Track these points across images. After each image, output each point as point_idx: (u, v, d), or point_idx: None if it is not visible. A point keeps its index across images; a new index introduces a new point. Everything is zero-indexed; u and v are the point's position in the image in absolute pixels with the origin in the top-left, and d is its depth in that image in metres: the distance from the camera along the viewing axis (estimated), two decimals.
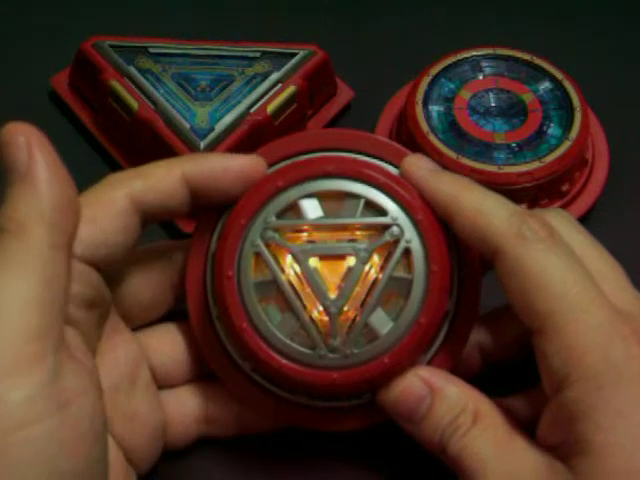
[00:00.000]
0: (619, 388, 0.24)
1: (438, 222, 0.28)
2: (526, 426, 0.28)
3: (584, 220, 0.40)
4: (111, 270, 0.29)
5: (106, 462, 0.26)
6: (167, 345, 0.32)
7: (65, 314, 0.25)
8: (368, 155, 0.30)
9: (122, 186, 0.28)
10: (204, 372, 0.32)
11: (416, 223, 0.28)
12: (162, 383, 0.32)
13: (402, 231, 0.28)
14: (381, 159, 0.30)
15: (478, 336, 0.32)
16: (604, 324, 0.25)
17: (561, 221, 0.29)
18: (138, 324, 0.32)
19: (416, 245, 0.28)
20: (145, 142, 0.40)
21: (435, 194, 0.28)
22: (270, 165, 0.30)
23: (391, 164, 0.30)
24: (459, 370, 0.30)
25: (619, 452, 0.24)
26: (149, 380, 0.31)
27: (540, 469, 0.26)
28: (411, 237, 0.28)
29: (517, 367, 0.31)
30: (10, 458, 0.22)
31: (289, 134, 0.31)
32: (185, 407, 0.32)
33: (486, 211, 0.27)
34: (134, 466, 0.30)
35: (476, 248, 0.28)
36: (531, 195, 0.38)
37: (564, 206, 0.40)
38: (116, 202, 0.28)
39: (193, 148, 0.39)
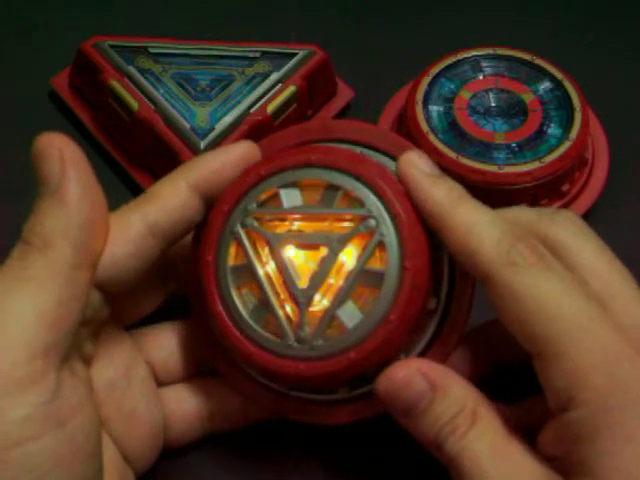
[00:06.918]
0: (625, 411, 0.24)
1: (418, 217, 0.28)
2: (527, 428, 0.27)
3: (584, 220, 0.40)
4: (120, 291, 0.28)
5: (101, 476, 0.26)
6: (167, 341, 0.32)
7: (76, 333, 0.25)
8: (369, 147, 0.30)
9: (137, 212, 0.28)
10: (205, 368, 0.32)
11: (393, 217, 0.27)
12: (163, 380, 0.32)
13: (377, 224, 0.27)
14: (383, 152, 0.30)
15: (489, 337, 0.31)
16: (606, 344, 0.24)
17: (569, 228, 0.28)
18: (132, 320, 0.32)
19: (392, 239, 0.27)
20: (145, 142, 0.40)
21: (427, 203, 0.27)
22: None
23: (393, 157, 0.30)
24: (470, 371, 0.30)
25: (624, 477, 0.23)
26: (146, 378, 0.31)
27: (539, 479, 0.25)
28: (387, 231, 0.27)
29: (523, 370, 0.31)
30: (5, 474, 0.22)
31: (292, 125, 0.31)
32: (188, 404, 0.32)
33: (477, 231, 0.26)
34: (132, 465, 0.30)
35: (465, 267, 0.27)
36: (531, 195, 0.38)
37: (564, 206, 0.40)
38: (131, 226, 0.27)
39: (193, 148, 0.39)
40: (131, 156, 0.42)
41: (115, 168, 0.42)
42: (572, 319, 0.24)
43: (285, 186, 0.29)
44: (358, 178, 0.28)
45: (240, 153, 0.29)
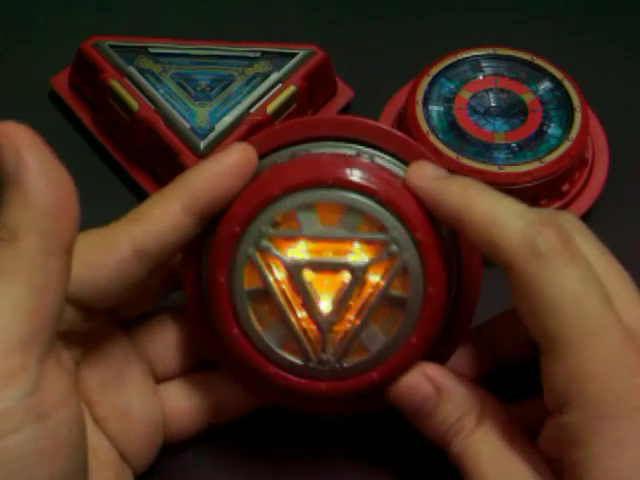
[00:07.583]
0: (619, 419, 0.24)
1: (440, 241, 0.27)
2: (531, 428, 0.28)
3: (584, 220, 0.40)
4: (105, 307, 0.28)
5: (85, 471, 0.26)
6: (163, 335, 0.32)
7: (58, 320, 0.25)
8: (373, 146, 0.30)
9: (125, 233, 0.27)
10: (203, 361, 0.32)
11: (416, 243, 0.27)
12: (161, 375, 0.32)
13: (400, 250, 0.27)
14: (387, 152, 0.30)
15: (491, 334, 0.32)
16: (611, 351, 0.24)
17: (569, 229, 0.28)
18: (127, 318, 0.32)
19: (415, 264, 0.27)
20: (145, 142, 0.40)
21: (442, 206, 0.27)
22: (271, 151, 0.30)
23: (394, 156, 0.30)
24: (473, 370, 0.30)
25: None
26: (142, 375, 0.31)
27: None
28: (409, 256, 0.27)
29: (524, 370, 0.31)
30: None
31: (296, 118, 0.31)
32: (187, 399, 0.32)
33: (499, 222, 0.25)
34: (130, 464, 0.30)
35: (488, 257, 0.27)
36: (531, 195, 0.38)
37: (564, 206, 0.40)
38: (117, 248, 0.27)
39: (193, 148, 0.39)
40: (131, 156, 0.42)
41: (115, 168, 0.42)
42: (586, 319, 0.24)
43: (301, 208, 0.28)
44: (378, 201, 0.27)
45: (235, 160, 0.28)
